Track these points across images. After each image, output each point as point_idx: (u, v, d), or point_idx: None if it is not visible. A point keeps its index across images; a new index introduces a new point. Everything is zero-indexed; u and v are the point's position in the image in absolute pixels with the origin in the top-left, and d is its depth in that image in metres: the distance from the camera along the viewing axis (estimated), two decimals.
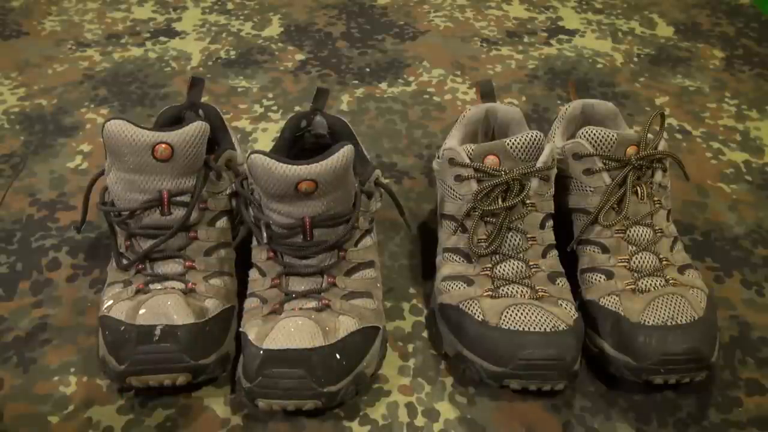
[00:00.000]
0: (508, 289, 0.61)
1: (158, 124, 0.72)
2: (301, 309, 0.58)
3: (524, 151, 0.61)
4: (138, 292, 0.60)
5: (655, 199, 0.64)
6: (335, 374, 0.56)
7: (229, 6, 1.18)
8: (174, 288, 0.60)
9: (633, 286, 0.61)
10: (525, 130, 0.69)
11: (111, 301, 0.60)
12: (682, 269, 0.63)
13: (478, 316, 0.59)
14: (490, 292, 0.61)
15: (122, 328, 0.57)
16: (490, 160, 0.62)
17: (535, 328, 0.57)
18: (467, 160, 0.62)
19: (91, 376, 0.62)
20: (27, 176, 0.83)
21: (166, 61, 1.04)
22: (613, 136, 0.63)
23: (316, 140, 0.73)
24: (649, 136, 0.64)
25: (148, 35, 1.10)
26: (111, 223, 0.63)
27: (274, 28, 1.12)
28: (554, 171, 0.64)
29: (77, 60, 1.04)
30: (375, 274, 0.64)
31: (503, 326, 0.58)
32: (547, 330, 0.57)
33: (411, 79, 1.00)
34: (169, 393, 0.60)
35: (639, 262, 0.62)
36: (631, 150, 0.63)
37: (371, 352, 0.59)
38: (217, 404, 0.60)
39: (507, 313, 0.58)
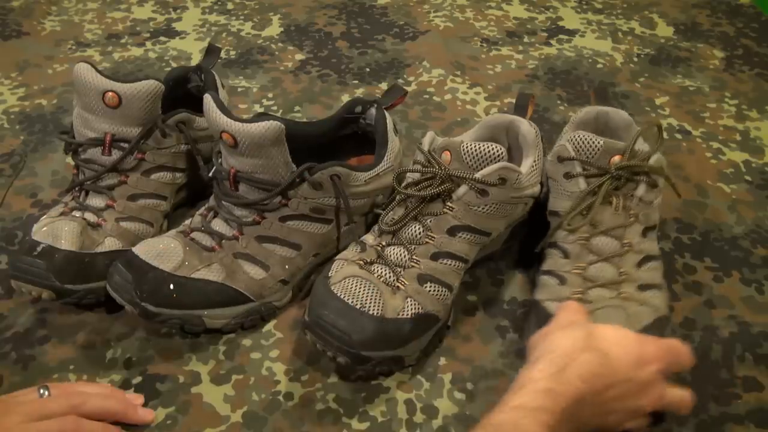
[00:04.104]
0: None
1: (165, 80, 0.73)
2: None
3: (474, 158, 0.60)
4: (62, 214, 0.66)
5: (632, 212, 0.63)
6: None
7: (229, 6, 1.19)
8: (83, 218, 0.66)
9: (580, 296, 0.60)
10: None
11: (45, 218, 0.66)
12: (644, 287, 0.61)
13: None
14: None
15: (25, 237, 0.64)
16: (445, 156, 0.62)
17: None
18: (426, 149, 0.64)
19: (90, 374, 0.62)
20: (27, 176, 0.83)
21: (166, 61, 1.04)
22: (599, 143, 0.62)
23: (366, 128, 0.74)
24: (645, 148, 0.63)
25: (148, 35, 1.10)
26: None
27: (274, 28, 1.13)
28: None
29: (77, 60, 1.03)
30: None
31: None
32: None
33: (411, 79, 1.00)
34: (169, 391, 0.60)
35: (595, 272, 0.62)
36: (616, 159, 0.62)
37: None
38: (217, 402, 0.60)
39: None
